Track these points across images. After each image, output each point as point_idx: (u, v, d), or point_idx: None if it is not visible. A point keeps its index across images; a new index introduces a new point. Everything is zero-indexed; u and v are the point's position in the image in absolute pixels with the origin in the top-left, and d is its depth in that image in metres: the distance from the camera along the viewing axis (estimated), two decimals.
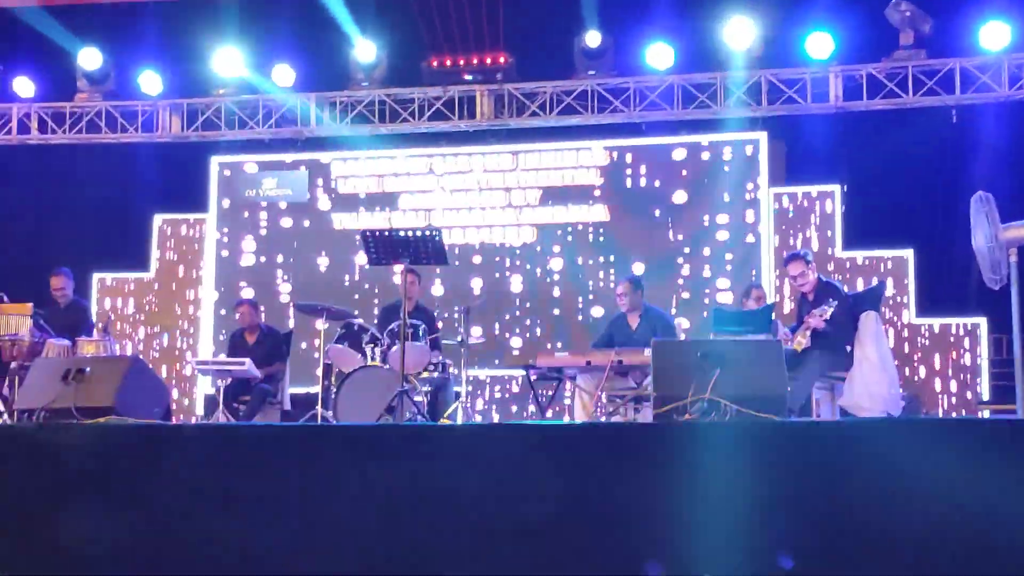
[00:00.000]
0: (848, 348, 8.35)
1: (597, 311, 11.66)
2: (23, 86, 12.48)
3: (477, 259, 12.07)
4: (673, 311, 11.06)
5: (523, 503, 5.31)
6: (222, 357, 10.68)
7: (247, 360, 9.78)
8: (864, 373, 8.21)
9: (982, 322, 10.80)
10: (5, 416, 9.19)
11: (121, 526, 5.67)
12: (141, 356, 11.57)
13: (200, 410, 11.63)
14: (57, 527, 5.69)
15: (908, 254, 11.16)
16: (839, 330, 8.30)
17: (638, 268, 11.47)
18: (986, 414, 10.27)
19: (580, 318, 11.79)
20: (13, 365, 9.49)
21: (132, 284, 12.67)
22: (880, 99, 11.00)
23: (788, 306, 10.76)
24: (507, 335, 11.82)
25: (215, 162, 12.67)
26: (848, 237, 11.35)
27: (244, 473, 5.66)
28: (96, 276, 12.50)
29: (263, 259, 12.50)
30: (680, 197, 11.76)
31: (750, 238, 11.56)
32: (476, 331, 9.72)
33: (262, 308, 11.10)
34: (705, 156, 11.79)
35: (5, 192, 12.59)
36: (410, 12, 11.93)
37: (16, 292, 9.92)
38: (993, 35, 10.58)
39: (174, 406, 11.60)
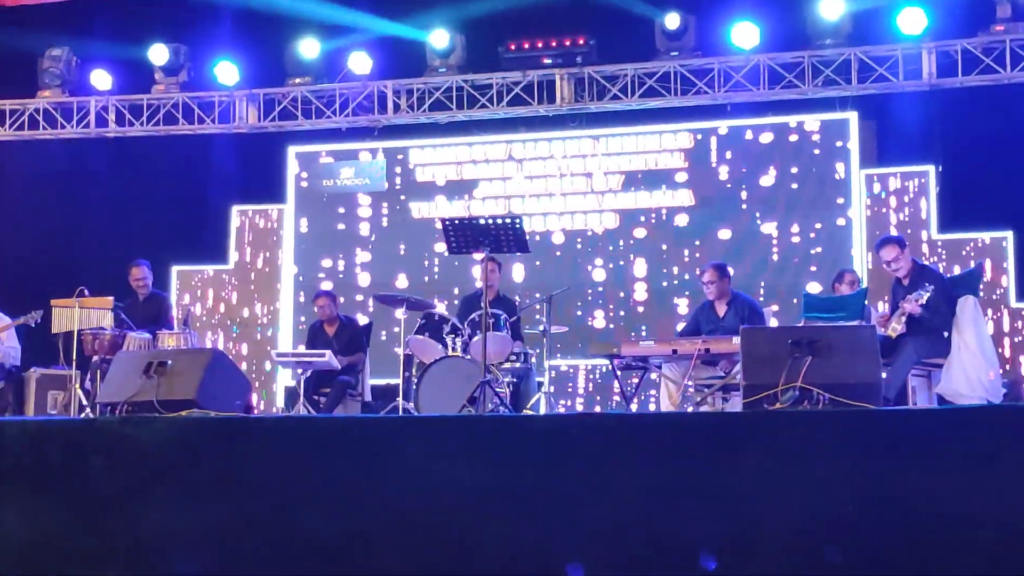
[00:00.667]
0: (945, 334, 8.22)
1: (682, 298, 11.57)
2: (100, 79, 12.64)
3: (558, 246, 12.01)
4: (761, 298, 10.93)
5: (609, 495, 5.27)
6: (301, 349, 10.75)
7: (327, 352, 9.84)
8: (962, 359, 8.09)
9: None
10: (88, 410, 9.32)
11: (203, 520, 5.72)
12: (223, 349, 11.69)
13: (281, 403, 11.71)
14: (140, 521, 5.75)
15: (1007, 235, 10.93)
16: (936, 315, 8.17)
17: (724, 254, 11.34)
18: None
19: (665, 306, 11.71)
20: (95, 359, 9.63)
21: (211, 276, 12.79)
22: (976, 75, 10.79)
23: (882, 291, 10.60)
24: (590, 324, 11.77)
25: (292, 152, 12.74)
26: (943, 219, 11.15)
27: (325, 466, 5.68)
28: (175, 269, 12.63)
29: (341, 249, 12.54)
30: (767, 180, 11.63)
31: (840, 221, 11.40)
32: (558, 320, 9.66)
33: (340, 299, 11.15)
34: (793, 138, 11.64)
35: (84, 186, 12.76)
36: None
37: (96, 286, 10.04)
38: None
39: (255, 399, 11.70)
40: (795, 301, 10.58)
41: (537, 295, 10.42)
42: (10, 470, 6.01)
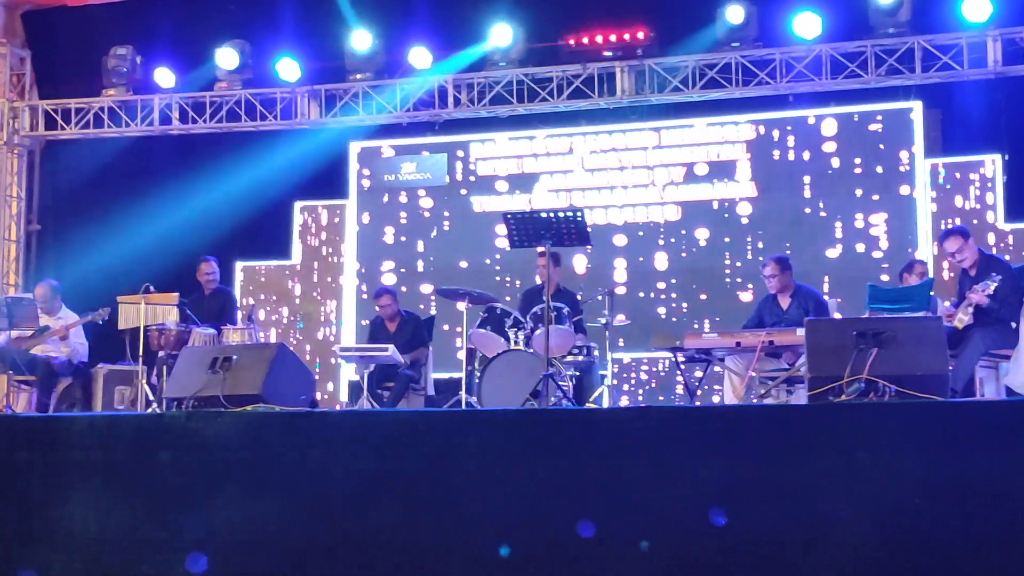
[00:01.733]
0: (1013, 324, 8.13)
1: (745, 290, 11.54)
2: (164, 77, 12.76)
3: (620, 239, 12.01)
4: (825, 289, 10.87)
5: (673, 489, 5.28)
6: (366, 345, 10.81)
7: (390, 346, 9.87)
8: None
9: None
10: (155, 405, 9.42)
11: (269, 513, 5.78)
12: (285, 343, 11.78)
13: (344, 397, 11.78)
14: (207, 515, 5.82)
15: None
16: (1003, 306, 8.09)
17: (788, 246, 11.30)
18: None
19: (728, 298, 11.67)
20: (161, 354, 9.73)
21: (275, 272, 12.89)
22: None
23: (948, 282, 10.52)
24: (652, 317, 11.74)
25: (354, 148, 12.80)
26: (1010, 208, 11.03)
27: (389, 460, 5.72)
28: (239, 264, 12.75)
29: (404, 244, 12.60)
30: (831, 170, 11.56)
31: (905, 212, 11.31)
32: (620, 313, 9.66)
33: (403, 288, 11.21)
34: (856, 128, 11.55)
35: (148, 183, 12.89)
36: None
37: (161, 282, 10.15)
38: None
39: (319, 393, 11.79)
40: (860, 292, 10.52)
41: (599, 288, 10.42)
42: (80, 464, 6.10)
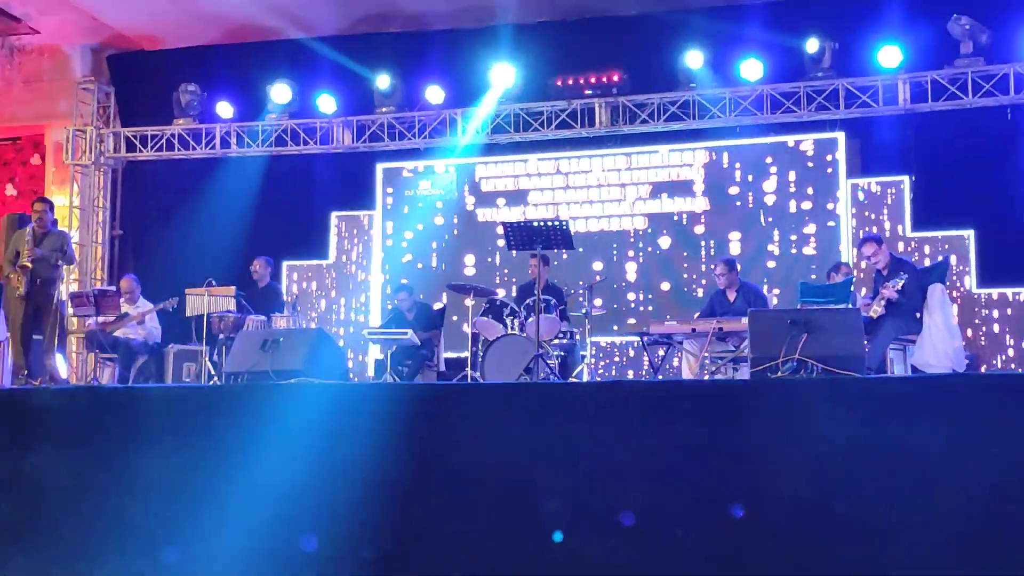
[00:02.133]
0: (917, 315, 8.18)
1: (699, 287, 11.54)
2: (224, 109, 12.76)
3: (597, 244, 11.99)
4: (765, 286, 10.88)
5: (642, 450, 5.28)
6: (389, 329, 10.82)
7: (409, 330, 9.90)
8: (932, 336, 8.06)
9: None
10: (215, 379, 9.42)
11: (307, 468, 5.78)
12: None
13: (371, 372, 11.78)
14: (257, 467, 5.82)
15: (969, 234, 10.81)
16: (910, 299, 8.13)
17: (734, 250, 11.32)
18: None
19: (685, 292, 11.66)
20: (221, 337, 9.75)
21: (315, 269, 12.88)
22: (943, 101, 10.67)
23: (866, 280, 10.52)
24: (624, 307, 11.73)
25: (380, 168, 12.79)
26: (916, 220, 11.04)
27: (408, 424, 5.72)
28: (285, 263, 12.73)
29: (420, 247, 12.58)
30: (770, 188, 11.56)
31: (831, 223, 11.31)
32: (598, 304, 9.67)
33: (420, 284, 11.24)
34: (791, 154, 11.55)
35: (210, 196, 12.87)
36: (540, 40, 11.96)
37: (221, 277, 10.16)
38: None
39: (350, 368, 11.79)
40: (791, 290, 10.53)
41: (580, 283, 10.41)
42: (153, 427, 6.10)
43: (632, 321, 11.53)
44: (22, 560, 6.08)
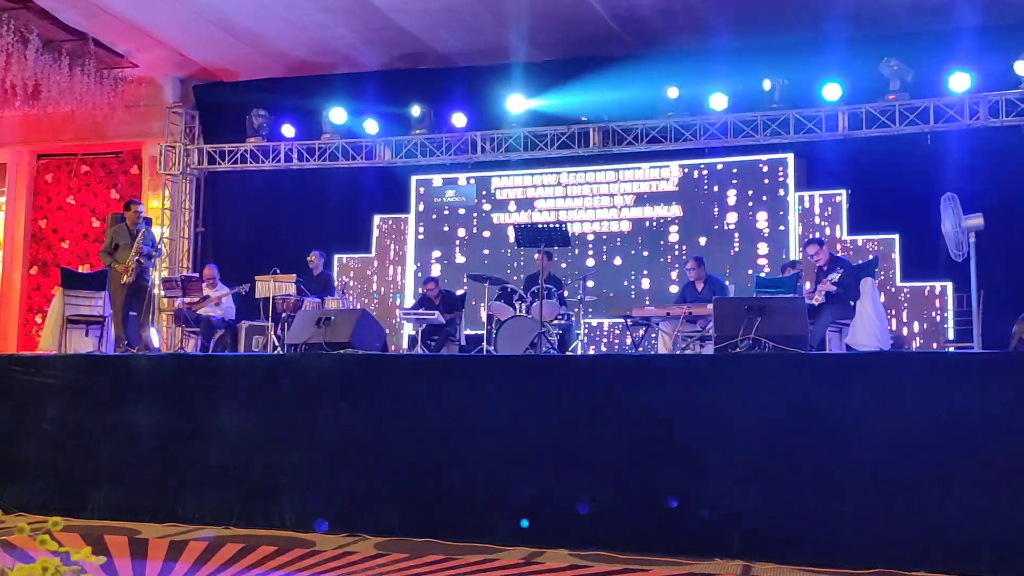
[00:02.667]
0: (852, 303, 8.19)
1: (673, 279, 11.53)
2: (287, 130, 12.78)
3: (590, 243, 11.99)
4: (727, 278, 10.87)
5: (626, 409, 5.31)
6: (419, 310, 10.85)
7: (436, 312, 9.94)
8: (863, 320, 8.08)
9: (948, 285, 10.44)
10: (279, 349, 9.46)
11: (352, 420, 5.83)
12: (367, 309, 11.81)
13: (405, 344, 11.81)
14: (313, 420, 5.88)
15: (895, 237, 10.81)
16: (846, 290, 8.15)
17: (702, 249, 11.30)
18: (951, 349, 9.94)
19: (662, 283, 11.65)
20: (283, 315, 9.78)
21: (360, 261, 12.91)
22: (875, 128, 10.62)
23: (809, 274, 10.52)
24: (611, 295, 11.73)
25: (413, 179, 12.80)
26: (852, 225, 11.02)
27: (437, 387, 5.76)
28: (337, 256, 12.76)
29: (446, 244, 12.59)
30: (732, 199, 11.54)
31: (781, 227, 11.29)
32: (590, 285, 9.67)
33: (445, 275, 11.23)
34: (750, 170, 11.53)
35: (276, 201, 12.92)
36: (546, 76, 11.96)
37: (284, 266, 10.20)
38: (958, 81, 10.23)
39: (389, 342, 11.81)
40: (749, 282, 10.53)
41: (576, 274, 10.42)
42: (229, 387, 6.16)
43: (618, 307, 11.54)
44: (120, 496, 6.14)
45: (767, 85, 10.93)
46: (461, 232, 12.56)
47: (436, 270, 12.30)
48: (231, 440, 6.02)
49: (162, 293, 10.85)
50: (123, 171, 14.10)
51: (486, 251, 12.41)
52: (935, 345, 10.39)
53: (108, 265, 9.39)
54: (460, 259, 12.50)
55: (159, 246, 9.77)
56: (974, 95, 10.26)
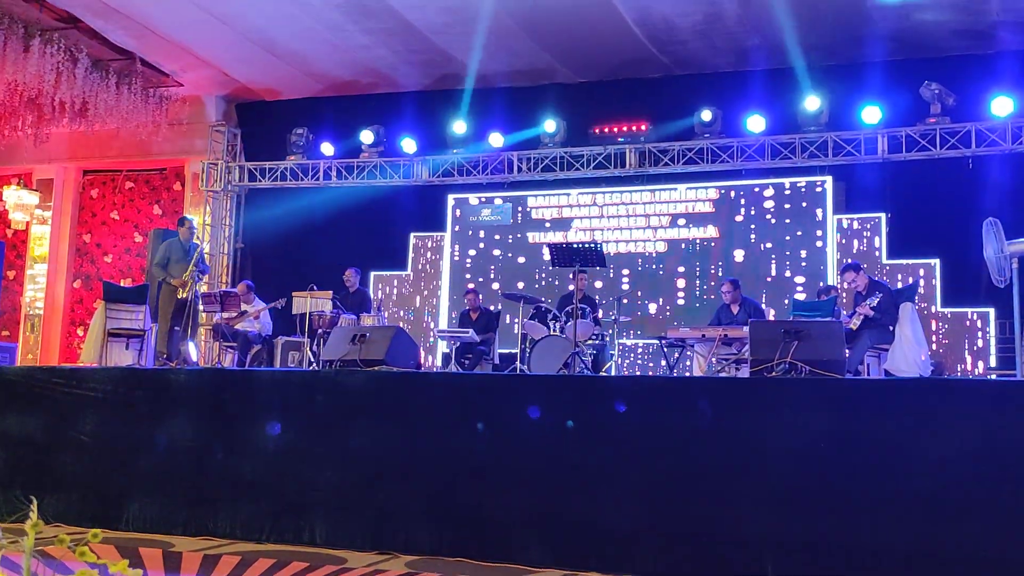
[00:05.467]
0: (891, 328, 8.06)
1: (709, 300, 11.43)
2: (327, 148, 12.88)
3: (626, 264, 11.94)
4: (763, 301, 10.77)
5: (659, 431, 5.25)
6: (455, 328, 10.84)
7: (470, 330, 9.92)
8: (902, 346, 7.95)
9: (991, 311, 10.26)
10: (315, 364, 9.49)
11: (385, 437, 5.81)
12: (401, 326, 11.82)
13: (439, 363, 11.81)
14: (347, 437, 5.85)
15: (935, 262, 10.66)
16: (884, 315, 8.03)
17: (738, 271, 11.20)
18: (993, 376, 9.75)
19: (697, 304, 11.56)
20: (319, 331, 9.80)
21: (396, 279, 12.94)
22: (915, 152, 10.53)
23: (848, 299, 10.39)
24: (646, 316, 11.67)
25: (450, 198, 12.83)
26: (891, 250, 10.89)
27: (469, 405, 5.72)
28: (372, 273, 12.81)
29: (481, 263, 12.60)
30: (770, 221, 11.44)
31: (819, 248, 11.17)
32: (625, 312, 9.62)
33: (480, 293, 11.23)
34: (787, 192, 11.43)
35: (314, 218, 13.00)
36: (581, 97, 11.97)
37: (321, 283, 10.24)
38: (1000, 106, 10.11)
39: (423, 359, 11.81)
40: (786, 304, 10.41)
41: (611, 296, 10.37)
42: (264, 402, 6.16)
43: (653, 328, 11.46)
44: (157, 508, 6.16)
45: (814, 104, 10.83)
46: (496, 251, 12.56)
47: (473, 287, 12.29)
48: (265, 455, 6.01)
49: (201, 308, 10.95)
50: (166, 187, 14.28)
51: (521, 270, 12.39)
52: (977, 372, 10.21)
53: (162, 280, 9.50)
54: (495, 278, 12.49)
55: (206, 265, 9.93)
56: (1016, 119, 10.13)
